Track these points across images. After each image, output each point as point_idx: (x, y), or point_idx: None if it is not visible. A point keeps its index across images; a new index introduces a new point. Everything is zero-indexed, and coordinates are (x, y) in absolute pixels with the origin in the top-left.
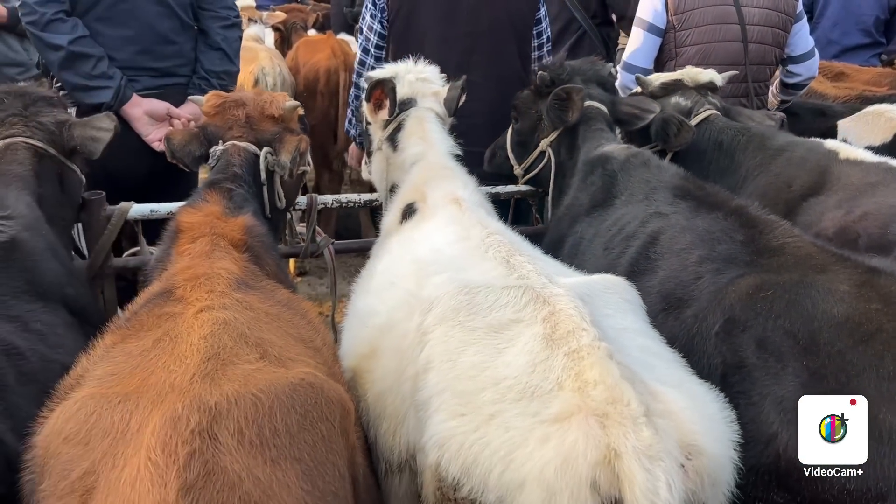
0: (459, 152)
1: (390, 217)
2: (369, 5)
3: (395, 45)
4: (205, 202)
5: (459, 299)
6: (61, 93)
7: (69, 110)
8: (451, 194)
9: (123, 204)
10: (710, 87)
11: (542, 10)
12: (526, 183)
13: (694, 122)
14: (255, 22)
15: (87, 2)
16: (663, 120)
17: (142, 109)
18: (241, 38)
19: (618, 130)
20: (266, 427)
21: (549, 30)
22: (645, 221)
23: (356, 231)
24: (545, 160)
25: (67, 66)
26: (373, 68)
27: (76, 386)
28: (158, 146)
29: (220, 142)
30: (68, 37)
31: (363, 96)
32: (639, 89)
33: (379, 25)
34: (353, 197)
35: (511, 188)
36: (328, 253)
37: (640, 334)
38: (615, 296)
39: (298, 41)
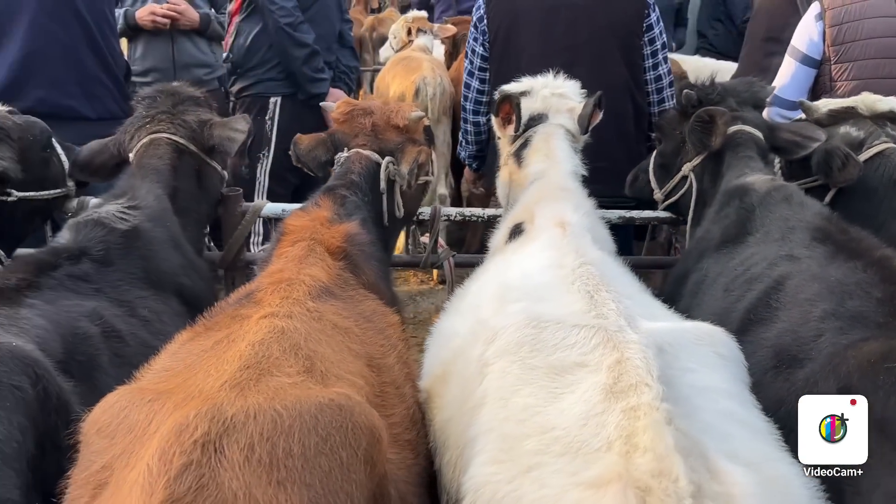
0: (585, 172)
1: (498, 236)
2: (472, 30)
3: (496, 65)
4: (316, 207)
5: (525, 333)
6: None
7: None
8: (558, 217)
9: (258, 202)
10: (889, 118)
11: (653, 16)
12: (665, 209)
13: (864, 156)
14: (425, 33)
15: (302, 6)
16: (826, 151)
17: (334, 98)
18: None
19: (777, 160)
20: (280, 446)
21: (664, 36)
22: (773, 264)
23: None
24: (686, 186)
25: (307, 62)
26: (478, 91)
27: (142, 377)
28: None
29: (346, 149)
30: (311, 37)
31: (492, 111)
32: (802, 116)
33: (481, 48)
34: (477, 211)
35: (647, 214)
36: (448, 265)
37: (727, 396)
38: (706, 348)
39: (464, 52)
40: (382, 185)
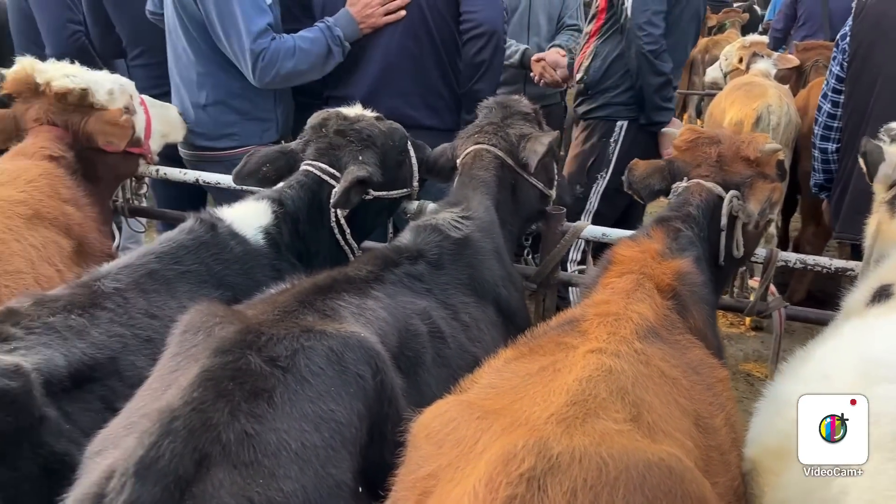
0: None
1: (857, 295)
2: (834, 49)
3: (850, 86)
4: (647, 238)
5: None
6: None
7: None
8: None
9: (579, 223)
10: None
11: None
12: None
13: None
14: (762, 57)
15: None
16: None
17: (673, 128)
18: None
19: None
20: (603, 498)
21: None
22: None
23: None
24: None
25: (660, 90)
26: (829, 115)
27: (468, 388)
28: None
29: (685, 178)
30: (669, 66)
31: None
32: None
33: (838, 68)
34: (823, 261)
35: None
36: (777, 316)
37: None
38: None
39: (813, 81)
40: (723, 221)
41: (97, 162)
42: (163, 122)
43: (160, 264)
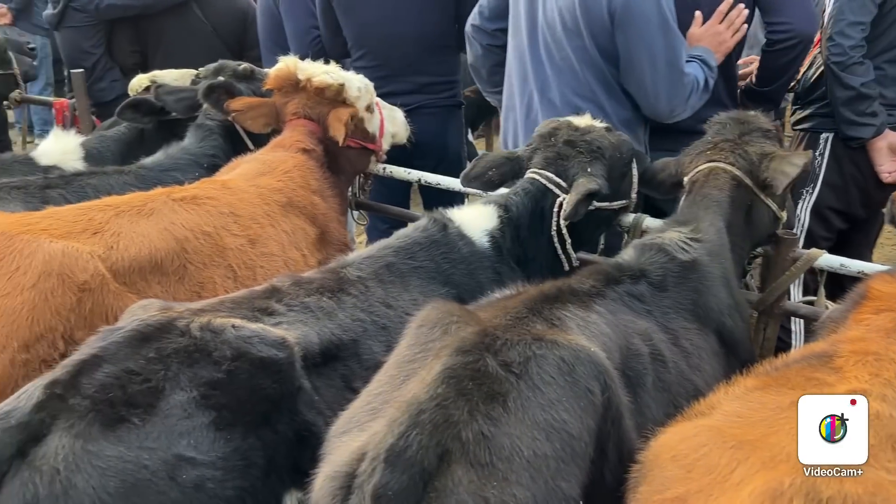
0: None
1: None
2: None
3: None
4: None
5: None
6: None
7: None
8: None
9: (813, 250)
10: None
11: None
12: None
13: None
14: None
15: (881, 46)
16: None
17: (886, 142)
18: None
19: None
20: None
21: None
22: None
23: None
24: None
25: (848, 104)
26: None
27: (705, 413)
28: (887, 178)
29: None
30: (861, 80)
31: None
32: None
33: None
34: None
35: None
36: None
37: None
38: None
39: None
40: None
41: (339, 156)
42: (392, 123)
43: (396, 258)
